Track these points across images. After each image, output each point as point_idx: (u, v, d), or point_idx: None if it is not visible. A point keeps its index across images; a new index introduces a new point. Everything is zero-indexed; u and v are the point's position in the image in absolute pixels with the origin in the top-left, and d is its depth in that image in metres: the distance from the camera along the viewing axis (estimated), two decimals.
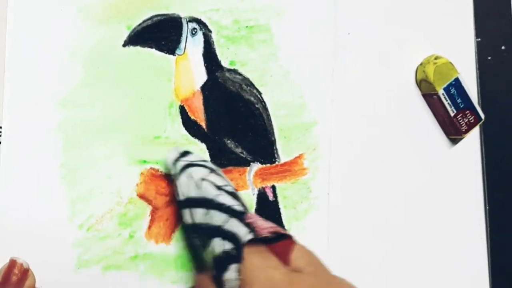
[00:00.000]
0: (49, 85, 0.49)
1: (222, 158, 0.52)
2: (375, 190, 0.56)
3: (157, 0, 0.51)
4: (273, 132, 0.53)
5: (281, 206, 0.54)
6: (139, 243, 0.50)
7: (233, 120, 0.52)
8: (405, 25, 0.57)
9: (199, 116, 0.52)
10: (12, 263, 0.44)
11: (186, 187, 0.46)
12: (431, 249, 0.57)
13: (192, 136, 0.51)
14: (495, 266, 0.58)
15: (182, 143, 0.51)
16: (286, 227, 0.54)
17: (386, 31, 0.57)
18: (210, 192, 0.45)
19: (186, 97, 0.51)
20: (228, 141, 0.52)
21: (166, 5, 0.51)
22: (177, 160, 0.48)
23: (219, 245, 0.41)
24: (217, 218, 0.43)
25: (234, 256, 0.40)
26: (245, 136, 0.53)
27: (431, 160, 0.57)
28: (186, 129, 0.51)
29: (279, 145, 0.53)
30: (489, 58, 0.59)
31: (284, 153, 0.54)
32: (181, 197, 0.47)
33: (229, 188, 0.45)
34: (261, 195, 0.53)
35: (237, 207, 0.43)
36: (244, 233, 0.41)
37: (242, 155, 0.53)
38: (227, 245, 0.41)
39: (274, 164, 0.53)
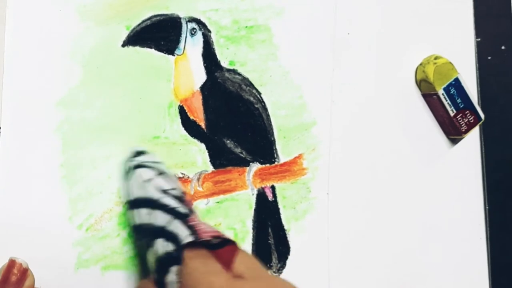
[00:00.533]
0: (48, 85, 0.49)
1: (221, 158, 0.52)
2: (375, 190, 0.56)
3: (157, 0, 0.51)
4: (272, 132, 0.53)
5: (280, 206, 0.54)
6: None
7: (233, 120, 0.52)
8: (404, 25, 0.57)
9: (198, 116, 0.52)
10: (12, 263, 0.44)
11: (132, 188, 0.46)
12: (431, 249, 0.57)
13: (192, 136, 0.51)
14: (495, 266, 0.58)
15: (181, 143, 0.51)
16: (285, 227, 0.54)
17: (385, 31, 0.56)
18: (155, 194, 0.44)
19: (186, 97, 0.51)
20: (228, 141, 0.52)
21: (166, 5, 0.51)
22: (129, 160, 0.48)
23: (161, 246, 0.41)
24: (160, 219, 0.42)
25: (175, 258, 0.40)
26: (244, 136, 0.53)
27: (431, 160, 0.57)
28: (185, 129, 0.51)
29: (278, 145, 0.53)
30: (489, 58, 0.59)
31: (284, 153, 0.54)
32: (129, 197, 0.47)
33: (175, 192, 0.45)
34: (261, 195, 0.53)
35: (181, 209, 0.43)
36: (185, 235, 0.40)
37: (242, 155, 0.53)
38: (169, 247, 0.40)
39: (273, 164, 0.53)
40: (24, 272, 0.44)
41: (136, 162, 0.48)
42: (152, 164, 0.47)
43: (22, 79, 0.48)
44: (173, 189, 0.45)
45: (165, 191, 0.45)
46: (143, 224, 0.44)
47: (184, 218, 0.42)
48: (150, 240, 0.42)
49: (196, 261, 0.39)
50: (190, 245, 0.40)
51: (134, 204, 0.46)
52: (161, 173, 0.46)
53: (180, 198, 0.44)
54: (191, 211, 0.44)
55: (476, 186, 0.59)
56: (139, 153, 0.49)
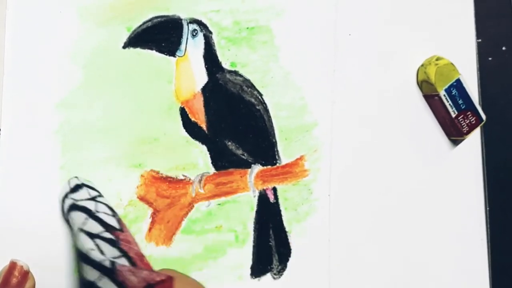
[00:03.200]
0: (49, 87, 0.48)
1: (223, 160, 0.52)
2: (376, 191, 0.56)
3: (158, 1, 0.51)
4: (274, 134, 0.53)
5: (282, 208, 0.53)
6: (139, 245, 0.50)
7: (234, 122, 0.52)
8: (406, 26, 0.57)
9: (199, 118, 0.51)
10: (12, 265, 0.44)
11: (70, 234, 0.46)
12: (432, 251, 0.57)
13: (193, 138, 0.51)
14: (496, 268, 0.58)
15: (182, 145, 0.51)
16: (287, 229, 0.53)
17: (387, 32, 0.56)
18: (85, 245, 0.44)
19: (187, 98, 0.51)
20: (229, 143, 0.52)
21: (167, 7, 0.51)
22: (66, 196, 0.48)
23: None
24: (90, 273, 0.42)
25: None
26: (246, 138, 0.52)
27: (433, 162, 0.57)
28: (186, 131, 0.51)
29: (280, 146, 0.53)
30: (490, 59, 0.59)
31: (285, 154, 0.53)
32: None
33: (106, 235, 0.45)
34: (262, 197, 0.53)
35: (107, 262, 0.42)
36: None
37: (243, 157, 0.52)
38: None
39: (275, 166, 0.53)
40: (25, 275, 0.44)
41: (71, 201, 0.47)
42: (84, 203, 0.47)
43: (22, 80, 0.48)
44: (104, 231, 0.45)
45: (95, 237, 0.44)
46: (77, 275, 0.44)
47: (111, 274, 0.41)
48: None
49: None
50: None
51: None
52: (91, 214, 0.46)
53: (111, 241, 0.44)
54: (125, 255, 0.43)
55: (477, 187, 0.59)
56: (75, 188, 0.48)
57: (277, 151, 0.53)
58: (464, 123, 0.56)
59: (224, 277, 0.52)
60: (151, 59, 0.50)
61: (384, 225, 0.56)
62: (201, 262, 0.51)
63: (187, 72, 0.51)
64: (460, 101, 0.55)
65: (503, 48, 0.60)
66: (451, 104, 0.55)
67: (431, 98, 0.56)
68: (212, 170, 0.52)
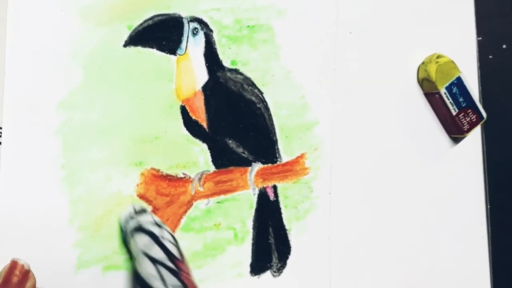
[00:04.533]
0: (49, 87, 0.48)
1: (223, 158, 0.52)
2: (377, 189, 0.56)
3: (158, 0, 0.51)
4: (274, 132, 0.53)
5: (282, 205, 0.54)
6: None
7: (235, 120, 0.52)
8: (406, 24, 0.57)
9: (200, 116, 0.51)
10: (13, 264, 0.44)
11: (134, 255, 0.47)
12: (433, 248, 0.57)
13: (194, 136, 0.51)
14: (496, 265, 0.58)
15: (183, 144, 0.51)
16: (286, 227, 0.54)
17: (387, 30, 0.56)
18: (147, 269, 0.44)
19: (187, 97, 0.51)
20: (230, 141, 0.52)
21: (167, 5, 0.51)
22: (131, 217, 0.48)
23: None
24: None
25: None
26: (246, 136, 0.52)
27: (433, 159, 0.57)
28: (187, 129, 0.51)
29: (280, 145, 0.53)
30: (490, 57, 0.59)
31: (286, 153, 0.53)
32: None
33: (168, 263, 0.45)
34: (262, 195, 0.53)
35: None
36: None
37: (244, 155, 0.52)
38: None
39: (275, 164, 0.53)
40: (26, 274, 0.44)
41: (136, 223, 0.47)
42: (150, 228, 0.47)
43: (23, 80, 0.48)
44: (166, 258, 0.45)
45: (156, 263, 0.44)
46: None
47: None
48: None
49: None
50: None
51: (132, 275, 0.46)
52: (155, 240, 0.46)
53: (173, 271, 0.44)
54: (184, 286, 0.43)
55: (477, 185, 0.59)
56: (140, 212, 0.48)
57: (278, 149, 0.53)
58: (464, 121, 0.56)
59: (223, 274, 0.52)
60: (151, 58, 0.50)
61: (385, 223, 0.56)
62: (200, 260, 0.51)
63: (188, 70, 0.51)
64: (461, 99, 0.55)
65: (504, 46, 0.60)
66: (452, 102, 0.55)
67: (431, 96, 0.56)
68: (212, 168, 0.52)
